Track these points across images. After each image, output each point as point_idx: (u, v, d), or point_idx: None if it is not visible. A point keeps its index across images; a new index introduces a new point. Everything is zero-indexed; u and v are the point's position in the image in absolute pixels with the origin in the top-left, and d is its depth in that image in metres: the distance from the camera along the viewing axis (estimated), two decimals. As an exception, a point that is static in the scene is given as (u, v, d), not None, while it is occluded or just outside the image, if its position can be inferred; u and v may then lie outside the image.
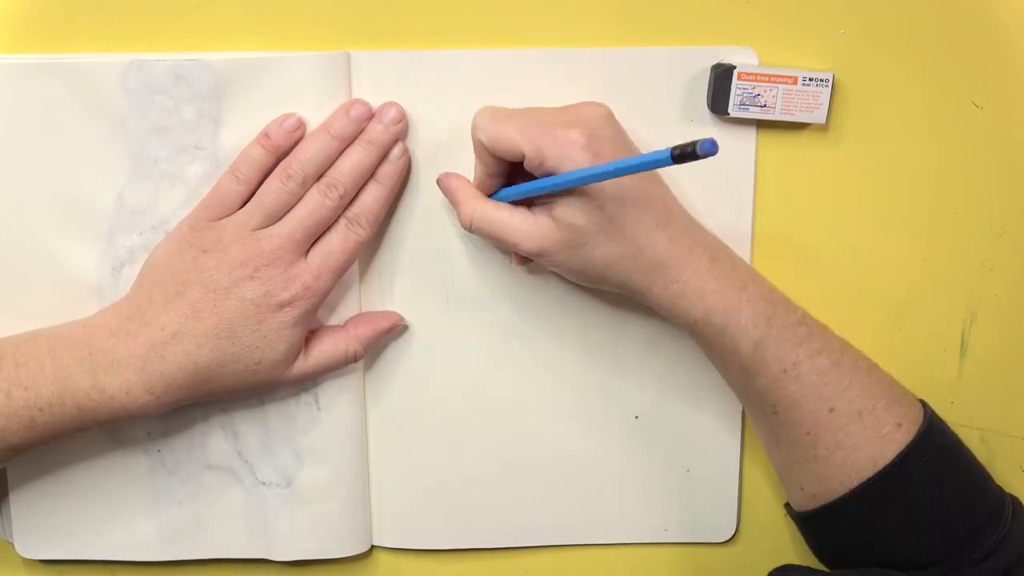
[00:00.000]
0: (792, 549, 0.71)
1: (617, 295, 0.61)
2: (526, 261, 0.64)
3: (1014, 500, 0.61)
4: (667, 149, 0.50)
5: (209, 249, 0.59)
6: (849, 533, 0.60)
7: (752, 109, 0.63)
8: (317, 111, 0.62)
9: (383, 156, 0.62)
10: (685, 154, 0.49)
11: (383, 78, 0.63)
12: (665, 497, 0.69)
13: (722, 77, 0.62)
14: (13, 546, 0.68)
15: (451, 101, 0.63)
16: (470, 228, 0.60)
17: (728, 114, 0.63)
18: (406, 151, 0.63)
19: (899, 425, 0.58)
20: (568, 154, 0.56)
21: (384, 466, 0.68)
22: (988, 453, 0.68)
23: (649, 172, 0.58)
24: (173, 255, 0.60)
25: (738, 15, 0.63)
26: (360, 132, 0.61)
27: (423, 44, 0.63)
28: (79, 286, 0.64)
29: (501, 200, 0.61)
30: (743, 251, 0.65)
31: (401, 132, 0.62)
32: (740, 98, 0.63)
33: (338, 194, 0.60)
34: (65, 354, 0.59)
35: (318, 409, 0.66)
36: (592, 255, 0.58)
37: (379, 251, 0.65)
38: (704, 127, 0.64)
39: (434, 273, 0.66)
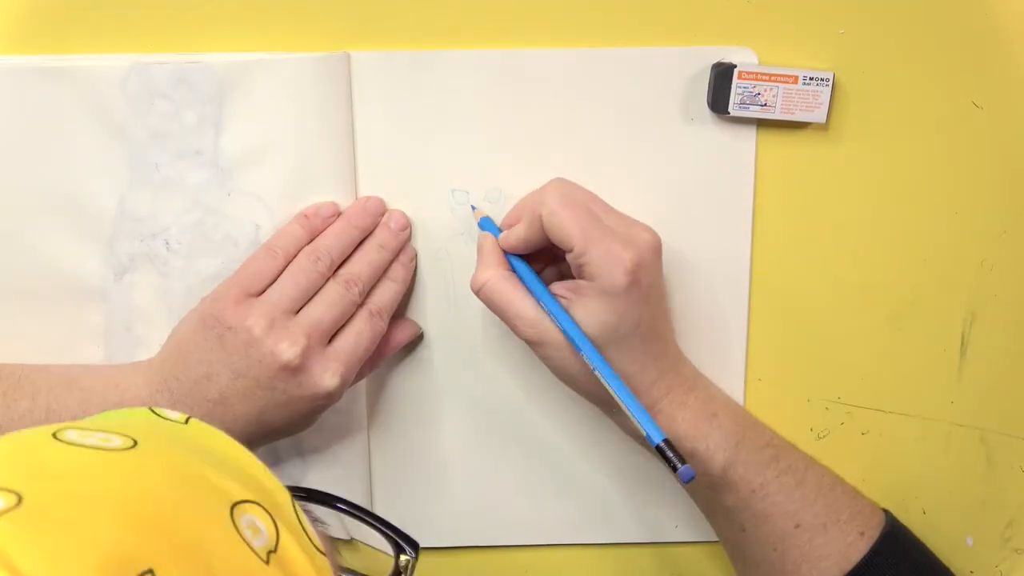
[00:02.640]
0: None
1: None
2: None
3: None
4: (661, 437, 0.55)
5: (235, 327, 0.58)
6: None
7: (752, 108, 0.63)
8: (317, 112, 0.62)
9: (392, 257, 0.64)
10: (665, 455, 0.55)
11: (383, 78, 0.63)
12: (666, 497, 0.69)
13: (722, 76, 0.62)
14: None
15: (451, 101, 0.63)
16: (478, 292, 0.60)
17: (728, 113, 0.63)
18: (415, 256, 0.66)
19: (862, 534, 0.61)
20: (611, 270, 0.57)
21: (385, 465, 0.69)
22: (988, 453, 0.68)
23: (659, 303, 0.61)
24: (198, 330, 0.59)
25: (738, 15, 0.63)
26: (375, 223, 0.64)
27: (423, 44, 0.63)
28: (81, 292, 0.64)
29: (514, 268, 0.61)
30: (743, 251, 0.65)
31: (407, 238, 0.65)
32: (740, 97, 0.62)
33: (358, 290, 0.61)
34: (97, 413, 0.58)
35: (321, 412, 0.66)
36: (583, 365, 0.59)
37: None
38: (704, 126, 0.64)
39: (435, 272, 0.66)
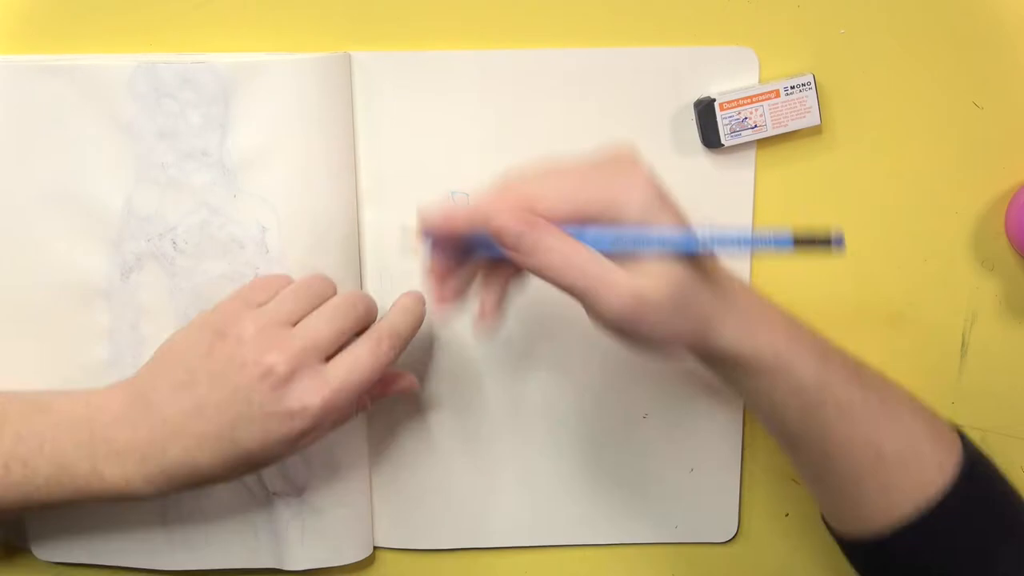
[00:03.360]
0: (793, 549, 0.71)
1: None
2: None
3: None
4: (788, 234, 0.49)
5: (226, 333, 0.55)
6: (898, 569, 0.59)
7: (745, 133, 0.63)
8: (318, 113, 0.62)
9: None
10: (810, 242, 0.49)
11: (383, 79, 0.63)
12: (667, 497, 0.69)
13: (706, 112, 0.62)
14: (30, 549, 0.69)
15: (451, 101, 0.63)
16: (526, 250, 0.50)
17: (723, 145, 0.63)
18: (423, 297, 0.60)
19: (940, 466, 0.58)
20: (629, 199, 0.51)
21: (386, 466, 0.69)
22: (988, 453, 0.68)
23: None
24: (190, 338, 0.57)
25: (738, 15, 0.63)
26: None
27: (423, 45, 0.63)
28: (87, 291, 0.65)
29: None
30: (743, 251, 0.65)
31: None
32: (729, 126, 0.62)
33: (363, 309, 0.58)
34: (65, 436, 0.57)
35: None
36: (688, 306, 0.52)
37: (380, 250, 0.66)
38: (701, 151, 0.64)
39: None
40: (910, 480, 0.58)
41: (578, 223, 0.50)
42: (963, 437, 0.60)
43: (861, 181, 0.65)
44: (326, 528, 0.67)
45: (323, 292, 0.58)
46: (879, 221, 0.65)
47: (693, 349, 0.54)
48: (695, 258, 0.51)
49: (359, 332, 0.58)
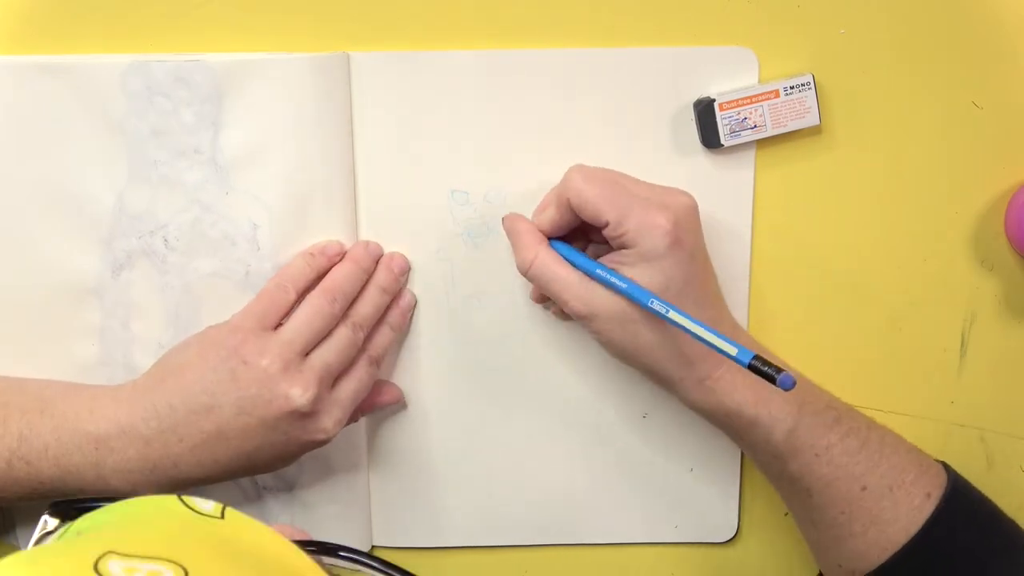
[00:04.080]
0: (793, 549, 0.71)
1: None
2: (565, 316, 0.65)
3: None
4: (749, 354, 0.54)
5: (250, 362, 0.58)
6: None
7: (744, 133, 0.63)
8: (316, 113, 0.62)
9: (391, 300, 0.65)
10: (761, 372, 0.53)
11: (382, 79, 0.63)
12: (667, 497, 0.69)
13: (705, 112, 0.62)
14: (18, 548, 0.68)
15: (450, 102, 0.63)
16: (527, 272, 0.60)
17: (723, 145, 0.63)
18: (414, 299, 0.66)
19: (928, 495, 0.60)
20: (650, 234, 0.57)
21: (384, 465, 0.69)
22: (988, 453, 0.68)
23: (705, 264, 0.60)
24: (208, 358, 0.58)
25: (738, 15, 0.63)
26: (374, 266, 0.64)
27: (422, 45, 0.63)
28: (78, 289, 0.64)
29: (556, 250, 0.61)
30: (742, 251, 0.65)
31: (406, 283, 0.66)
32: (729, 127, 0.62)
33: (363, 335, 0.63)
34: (70, 441, 0.58)
35: (319, 412, 0.66)
36: (637, 334, 0.58)
37: (379, 252, 0.66)
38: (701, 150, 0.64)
39: (434, 272, 0.66)
40: (898, 509, 0.60)
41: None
42: (947, 467, 0.63)
43: (861, 181, 0.65)
44: (318, 524, 0.68)
45: (331, 313, 0.61)
46: (879, 221, 0.66)
47: (649, 375, 0.61)
48: (662, 291, 0.57)
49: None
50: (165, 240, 0.64)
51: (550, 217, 0.61)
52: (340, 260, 0.64)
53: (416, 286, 0.66)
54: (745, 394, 0.59)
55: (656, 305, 0.56)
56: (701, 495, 0.69)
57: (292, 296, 0.61)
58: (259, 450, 0.59)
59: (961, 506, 0.61)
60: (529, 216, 0.63)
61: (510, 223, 0.63)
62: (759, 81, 0.63)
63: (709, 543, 0.70)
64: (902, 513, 0.60)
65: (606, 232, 0.58)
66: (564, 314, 0.63)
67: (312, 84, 0.62)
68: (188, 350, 0.60)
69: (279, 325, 0.60)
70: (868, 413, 0.67)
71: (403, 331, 0.66)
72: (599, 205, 0.58)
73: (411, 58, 0.63)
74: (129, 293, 0.64)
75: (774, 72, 0.63)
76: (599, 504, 0.69)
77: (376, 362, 0.64)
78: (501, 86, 0.63)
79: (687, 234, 0.58)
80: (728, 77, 0.63)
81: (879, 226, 0.66)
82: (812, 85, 0.62)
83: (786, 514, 0.68)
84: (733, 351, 0.54)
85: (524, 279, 0.65)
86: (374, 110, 0.63)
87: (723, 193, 0.65)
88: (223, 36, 0.63)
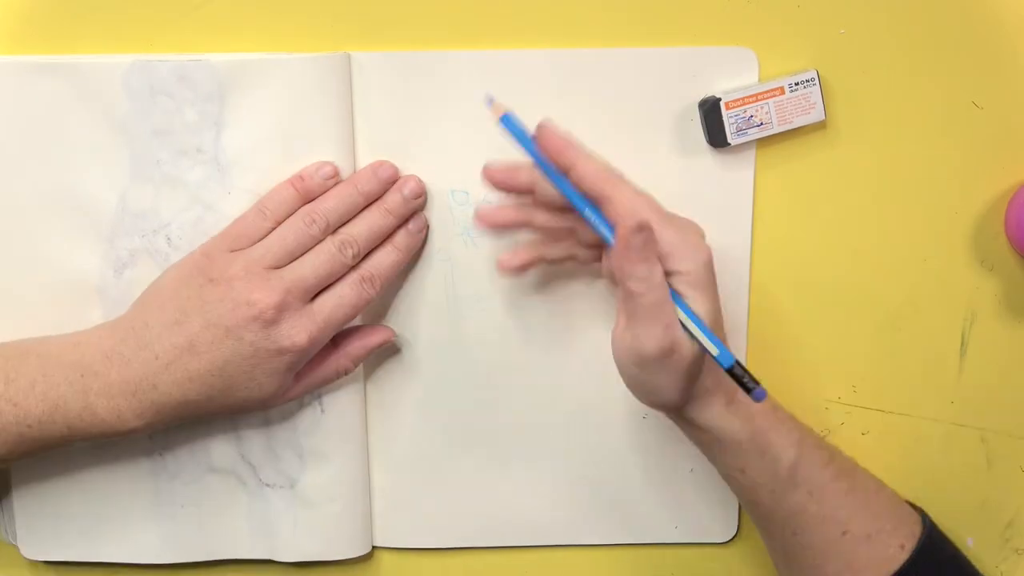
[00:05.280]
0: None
1: None
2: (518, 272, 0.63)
3: None
4: (732, 358, 0.54)
5: (216, 279, 0.59)
6: None
7: (751, 131, 0.63)
8: (317, 112, 0.62)
9: (399, 224, 0.63)
10: (739, 379, 0.54)
11: (383, 79, 0.63)
12: (667, 497, 0.69)
13: (711, 112, 0.62)
14: (17, 548, 0.68)
15: (451, 101, 0.63)
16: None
17: (729, 144, 0.63)
18: (426, 226, 0.64)
19: (902, 546, 0.61)
20: (696, 258, 0.56)
21: (385, 466, 0.69)
22: (988, 453, 0.68)
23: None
24: (180, 280, 0.60)
25: (738, 15, 0.63)
26: (383, 191, 0.62)
27: (423, 45, 0.63)
28: (81, 287, 0.64)
29: None
30: (742, 251, 0.65)
31: (419, 207, 0.64)
32: (736, 125, 0.62)
33: (352, 252, 0.61)
34: (56, 373, 0.58)
35: (321, 411, 0.66)
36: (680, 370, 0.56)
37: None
38: (705, 149, 0.64)
39: (434, 272, 0.66)
40: (872, 557, 0.60)
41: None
42: (924, 517, 0.63)
43: (860, 181, 0.65)
44: (319, 522, 0.68)
45: (308, 233, 0.60)
46: (878, 221, 0.66)
47: (675, 410, 0.59)
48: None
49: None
50: (168, 239, 0.64)
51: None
52: (334, 183, 0.62)
53: (415, 286, 0.66)
54: (761, 420, 0.59)
55: (685, 313, 0.55)
56: (701, 496, 0.69)
57: (270, 223, 0.61)
58: (229, 364, 0.58)
59: (932, 559, 0.61)
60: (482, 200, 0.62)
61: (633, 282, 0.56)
62: (759, 81, 0.63)
63: (709, 544, 0.70)
64: (875, 562, 0.60)
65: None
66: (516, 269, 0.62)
67: (314, 84, 0.62)
68: (163, 278, 0.61)
69: None
70: (868, 413, 0.68)
71: (411, 254, 0.64)
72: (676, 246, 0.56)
73: (412, 58, 0.63)
74: (132, 292, 0.64)
75: (774, 72, 0.63)
76: (600, 505, 0.69)
77: (369, 281, 0.61)
78: (502, 86, 0.63)
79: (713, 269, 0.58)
80: (727, 77, 0.63)
81: (879, 226, 0.66)
82: (817, 80, 0.62)
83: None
84: (715, 351, 0.55)
85: (523, 280, 0.65)
86: (375, 110, 0.63)
87: (728, 191, 0.65)
88: (225, 36, 0.63)
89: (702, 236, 0.58)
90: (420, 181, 0.63)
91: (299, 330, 0.59)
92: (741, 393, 0.57)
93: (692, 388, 0.57)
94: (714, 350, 0.55)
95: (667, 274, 0.55)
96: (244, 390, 0.60)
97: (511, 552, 0.71)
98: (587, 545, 0.70)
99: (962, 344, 0.67)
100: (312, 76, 0.62)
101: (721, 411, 0.58)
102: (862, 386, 0.68)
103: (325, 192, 0.62)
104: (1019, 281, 0.66)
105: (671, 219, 0.57)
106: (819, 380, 0.67)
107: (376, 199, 0.62)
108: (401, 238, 0.63)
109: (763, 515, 0.62)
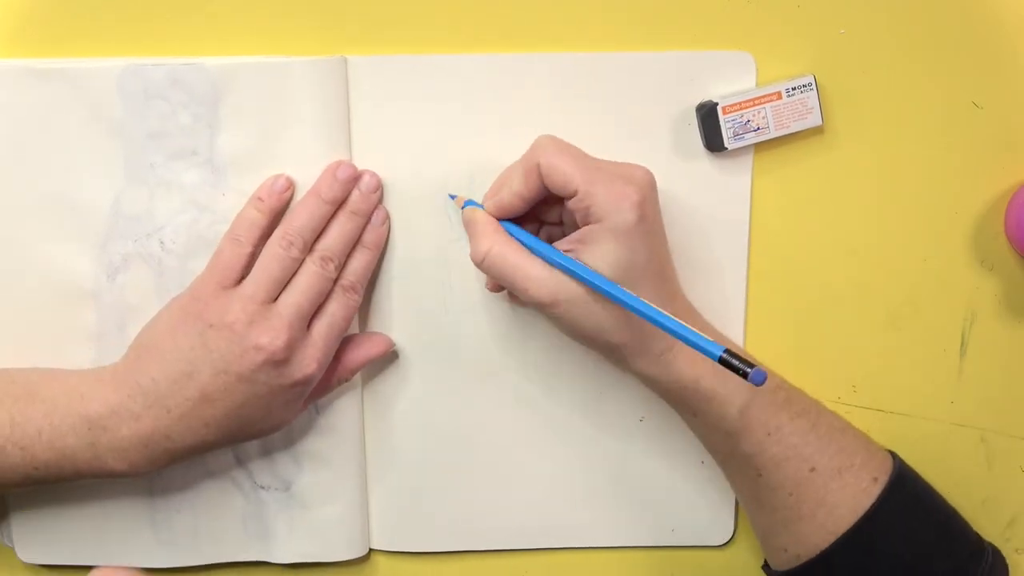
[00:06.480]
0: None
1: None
2: (519, 302, 0.64)
3: (992, 545, 0.64)
4: (720, 349, 0.52)
5: (216, 324, 0.58)
6: None
7: (748, 136, 0.63)
8: (313, 116, 0.62)
9: (365, 221, 0.63)
10: (733, 366, 0.52)
11: (380, 83, 0.63)
12: (663, 500, 0.69)
13: (708, 116, 0.62)
14: (14, 550, 0.68)
15: (448, 106, 0.63)
16: (481, 263, 0.59)
17: (726, 149, 0.63)
18: (388, 217, 0.64)
19: (875, 479, 0.61)
20: (619, 206, 0.56)
21: (382, 469, 0.68)
22: (988, 453, 0.68)
23: (664, 240, 0.60)
24: (176, 327, 0.59)
25: (737, 16, 0.63)
26: (347, 192, 0.62)
27: (419, 49, 0.63)
28: (74, 292, 0.64)
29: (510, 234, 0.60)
30: (739, 255, 0.65)
31: (379, 200, 0.64)
32: (732, 130, 0.62)
33: (333, 266, 0.61)
34: (63, 424, 0.58)
35: (317, 414, 0.66)
36: (596, 315, 0.57)
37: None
38: (702, 153, 0.64)
39: (432, 275, 0.66)
40: (846, 492, 0.60)
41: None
42: (894, 455, 0.63)
43: (860, 181, 0.65)
44: (314, 524, 0.68)
45: (289, 257, 0.60)
46: (879, 221, 0.65)
47: (608, 354, 0.60)
48: (623, 271, 0.57)
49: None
50: (161, 242, 0.64)
51: (513, 189, 0.59)
52: (291, 194, 0.62)
53: (413, 289, 0.66)
54: (702, 367, 0.59)
55: (615, 296, 0.55)
56: (697, 498, 0.69)
57: (248, 248, 0.60)
58: (246, 406, 0.59)
59: (907, 490, 0.62)
60: (480, 199, 0.62)
61: (468, 215, 0.61)
62: (756, 84, 0.63)
63: (706, 546, 0.70)
64: (849, 496, 0.60)
65: (572, 203, 0.57)
66: (518, 300, 0.63)
67: (310, 87, 0.62)
68: (157, 325, 0.61)
69: (242, 279, 0.60)
70: (868, 413, 0.68)
71: (379, 249, 0.64)
72: (569, 172, 0.57)
73: (409, 62, 0.63)
74: (125, 296, 0.64)
75: (773, 74, 0.63)
76: (596, 508, 0.69)
77: (352, 289, 0.62)
78: (500, 90, 0.63)
79: (651, 208, 0.58)
80: (726, 81, 0.63)
81: (878, 226, 0.66)
82: (814, 86, 0.62)
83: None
84: (705, 346, 0.53)
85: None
86: (371, 114, 0.63)
87: (725, 195, 0.65)
88: (220, 40, 0.62)
89: (633, 180, 0.57)
90: (375, 175, 0.63)
91: (308, 360, 0.60)
92: (677, 344, 0.58)
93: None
94: (703, 345, 0.54)
95: (592, 224, 0.57)
96: (260, 423, 0.61)
97: (507, 555, 0.71)
98: (584, 548, 0.70)
99: (962, 344, 0.67)
100: (309, 79, 0.62)
101: (654, 366, 0.59)
102: (862, 386, 0.68)
103: (286, 205, 0.62)
104: (1019, 281, 0.66)
105: (599, 172, 0.57)
106: (819, 380, 0.67)
107: (340, 204, 0.62)
108: (369, 236, 0.63)
109: (723, 459, 0.63)
